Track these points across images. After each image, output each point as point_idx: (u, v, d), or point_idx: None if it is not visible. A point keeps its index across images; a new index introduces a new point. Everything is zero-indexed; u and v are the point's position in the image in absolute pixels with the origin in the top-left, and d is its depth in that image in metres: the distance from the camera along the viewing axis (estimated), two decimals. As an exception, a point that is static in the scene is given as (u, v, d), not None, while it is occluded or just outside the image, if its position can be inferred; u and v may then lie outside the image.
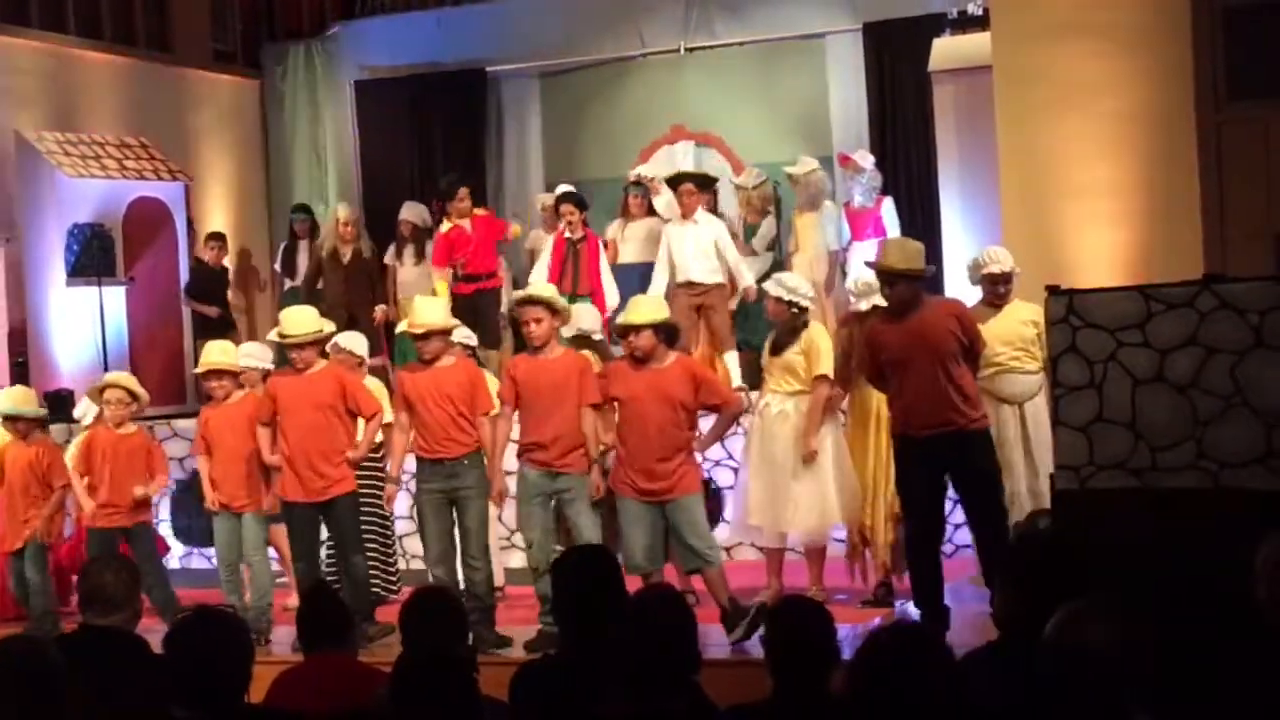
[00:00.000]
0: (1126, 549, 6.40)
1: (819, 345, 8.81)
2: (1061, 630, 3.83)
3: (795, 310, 8.83)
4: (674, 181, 11.83)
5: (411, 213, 13.87)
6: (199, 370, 9.48)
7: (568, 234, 11.95)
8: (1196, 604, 5.87)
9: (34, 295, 13.46)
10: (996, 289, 8.99)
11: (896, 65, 13.87)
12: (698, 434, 8.43)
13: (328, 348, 9.71)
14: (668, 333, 8.21)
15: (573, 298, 11.25)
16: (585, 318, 9.66)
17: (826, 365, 8.75)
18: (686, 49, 14.95)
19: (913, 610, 8.45)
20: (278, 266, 14.78)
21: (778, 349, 8.86)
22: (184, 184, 14.26)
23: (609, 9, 15.17)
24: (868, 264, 8.34)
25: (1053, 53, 10.59)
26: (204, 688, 4.28)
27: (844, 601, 8.58)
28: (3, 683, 4.09)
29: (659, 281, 11.40)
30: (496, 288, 12.53)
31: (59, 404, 11.98)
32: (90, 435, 9.78)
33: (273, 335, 9.44)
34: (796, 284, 9.05)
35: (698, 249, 11.40)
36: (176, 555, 12.08)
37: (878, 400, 8.50)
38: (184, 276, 14.13)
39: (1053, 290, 7.14)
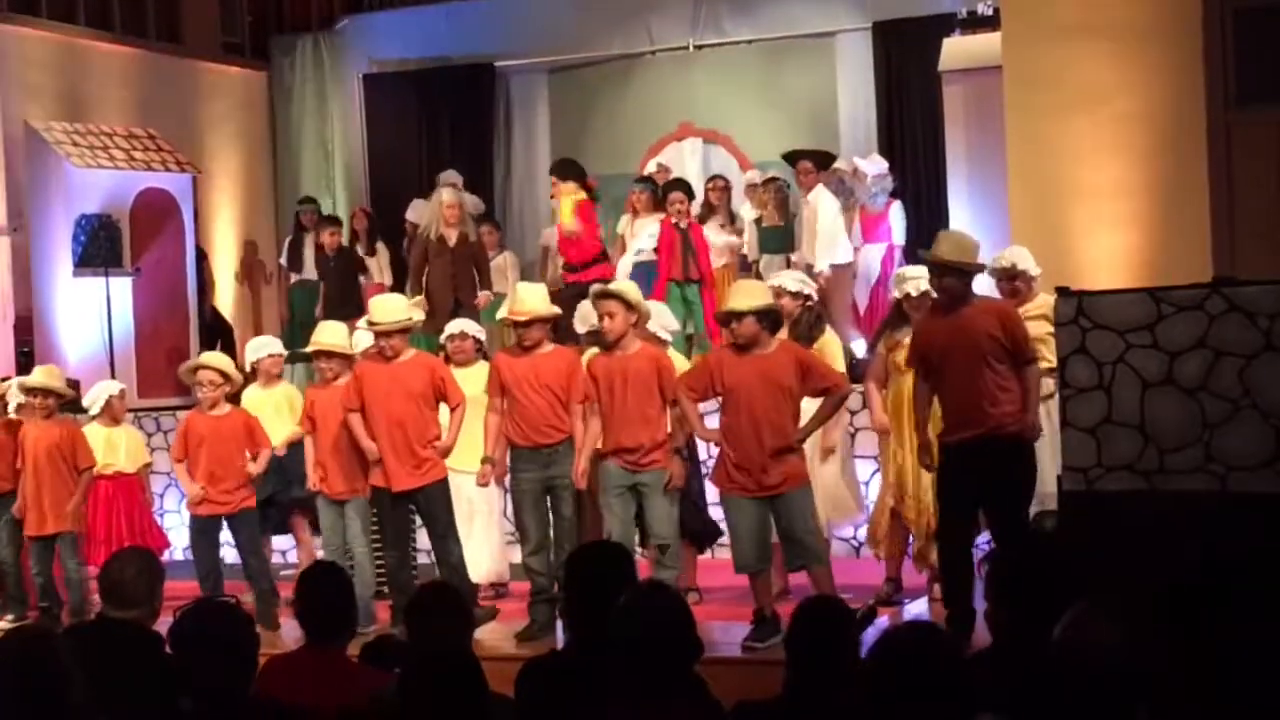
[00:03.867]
0: (1133, 551, 6.40)
1: (832, 344, 8.84)
2: (1070, 633, 3.83)
3: (809, 305, 8.84)
4: (790, 159, 11.78)
5: (416, 214, 13.86)
6: (309, 349, 9.37)
7: (677, 223, 11.95)
8: (1203, 607, 5.87)
9: (41, 285, 13.47)
10: (1000, 285, 8.96)
11: (906, 65, 13.86)
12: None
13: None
14: (771, 319, 7.92)
15: (686, 283, 11.37)
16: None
17: (841, 364, 8.78)
18: (695, 46, 14.97)
19: (921, 609, 8.46)
20: (283, 260, 14.79)
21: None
22: (192, 175, 14.26)
23: (618, 5, 15.17)
24: (920, 252, 8.18)
25: (1063, 54, 10.57)
26: (210, 679, 4.28)
27: (850, 600, 8.55)
28: (7, 677, 4.07)
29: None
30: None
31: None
32: (187, 420, 9.63)
33: (362, 323, 9.32)
34: (802, 276, 9.11)
35: (811, 229, 11.35)
36: (179, 548, 12.07)
37: (909, 393, 8.35)
38: (190, 268, 14.12)
39: (1062, 291, 7.13)
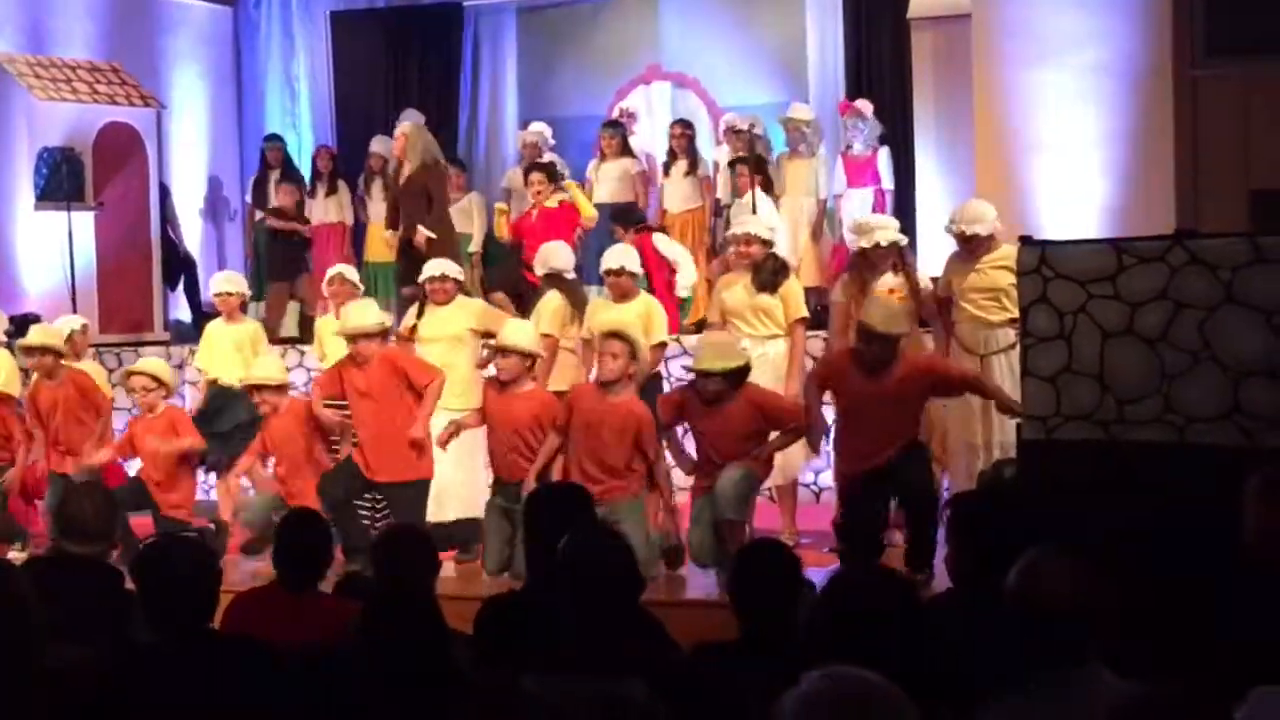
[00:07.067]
0: (1090, 500, 6.45)
1: (795, 289, 8.89)
2: (1024, 579, 3.86)
3: (773, 252, 8.91)
4: (732, 164, 12.03)
5: (381, 146, 13.82)
6: (247, 382, 9.20)
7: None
8: (1158, 555, 5.93)
9: (1, 218, 13.37)
10: (963, 246, 8.96)
11: (875, 10, 13.83)
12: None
13: (324, 287, 9.81)
14: (739, 377, 7.97)
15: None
16: (558, 256, 9.58)
17: (804, 309, 8.86)
18: (665, -12, 14.90)
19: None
20: (248, 198, 14.72)
21: (757, 291, 8.84)
22: (156, 111, 14.15)
23: (588, -55, 15.09)
24: (860, 323, 7.97)
25: (1032, 3, 10.59)
26: (171, 612, 4.29)
27: (809, 545, 8.62)
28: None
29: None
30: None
31: (25, 328, 11.92)
32: (129, 424, 9.65)
33: (338, 329, 9.03)
34: (771, 224, 9.21)
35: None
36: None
37: None
38: (154, 204, 14.03)
39: (1025, 241, 7.15)
